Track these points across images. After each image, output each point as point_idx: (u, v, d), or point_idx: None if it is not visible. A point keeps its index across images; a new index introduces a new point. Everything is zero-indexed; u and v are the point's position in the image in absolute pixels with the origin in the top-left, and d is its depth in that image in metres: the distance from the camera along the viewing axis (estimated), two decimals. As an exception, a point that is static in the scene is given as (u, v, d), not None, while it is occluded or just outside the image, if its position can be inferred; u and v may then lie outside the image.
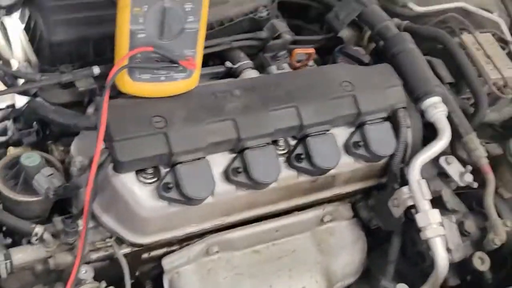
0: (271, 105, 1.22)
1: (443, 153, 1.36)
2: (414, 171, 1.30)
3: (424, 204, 1.29)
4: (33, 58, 1.23)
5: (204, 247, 1.27)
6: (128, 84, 1.13)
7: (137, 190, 1.13)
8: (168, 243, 1.25)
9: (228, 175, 1.19)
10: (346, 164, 1.31)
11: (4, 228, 1.19)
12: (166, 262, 1.26)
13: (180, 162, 1.13)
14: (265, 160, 1.20)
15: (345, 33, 1.50)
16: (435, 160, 1.35)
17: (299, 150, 1.25)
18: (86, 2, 1.23)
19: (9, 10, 1.22)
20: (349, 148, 1.30)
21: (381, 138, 1.31)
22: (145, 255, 1.25)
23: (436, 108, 1.34)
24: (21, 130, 1.26)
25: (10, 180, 1.16)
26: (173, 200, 1.14)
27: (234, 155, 1.20)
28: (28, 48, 1.24)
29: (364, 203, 1.43)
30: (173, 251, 1.27)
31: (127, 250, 1.20)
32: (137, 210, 1.14)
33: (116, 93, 1.14)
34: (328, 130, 1.27)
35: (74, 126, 1.13)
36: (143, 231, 1.18)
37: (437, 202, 1.35)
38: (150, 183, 1.14)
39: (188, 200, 1.14)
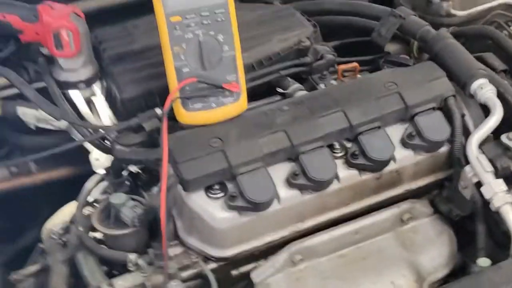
0: (318, 113, 1.34)
1: (503, 131, 1.39)
2: (472, 148, 1.34)
3: (487, 176, 1.31)
4: (113, 118, 1.45)
5: (288, 256, 1.35)
6: (183, 114, 1.30)
7: (208, 205, 1.26)
8: (253, 256, 1.34)
9: (289, 180, 1.30)
10: (406, 157, 1.38)
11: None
12: (255, 275, 1.35)
13: (241, 174, 1.27)
14: (320, 160, 1.30)
15: (392, 48, 1.60)
16: (497, 140, 1.39)
17: (353, 148, 1.34)
18: (147, 63, 1.44)
19: (88, 82, 1.46)
20: (404, 141, 1.37)
21: (433, 125, 1.37)
22: (234, 272, 1.36)
23: (483, 88, 1.39)
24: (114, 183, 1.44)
25: (105, 220, 1.34)
26: (241, 208, 1.26)
27: (292, 163, 1.32)
28: (110, 111, 1.45)
29: (440, 196, 1.46)
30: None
31: (213, 265, 1.32)
32: (212, 224, 1.26)
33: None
34: (379, 127, 1.35)
35: (145, 160, 1.31)
36: (223, 244, 1.29)
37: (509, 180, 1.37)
38: (219, 197, 1.27)
39: (254, 206, 1.26)
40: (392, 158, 1.36)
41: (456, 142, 1.38)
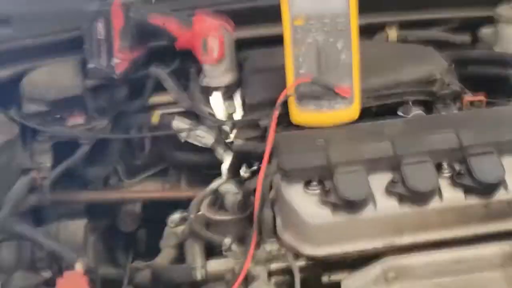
0: (430, 131, 1.34)
1: None
2: None
3: None
4: None
5: (381, 270, 1.32)
6: (296, 113, 1.38)
7: (303, 199, 1.30)
8: (344, 263, 1.33)
9: (388, 188, 1.30)
10: (520, 190, 1.31)
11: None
12: (345, 284, 1.34)
13: (339, 173, 1.29)
14: (421, 172, 1.28)
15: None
16: None
17: (461, 169, 1.31)
18: (279, 77, 1.54)
19: (227, 89, 1.60)
20: (521, 171, 1.31)
21: (553, 159, 1.30)
22: (325, 278, 1.36)
23: None
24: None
25: (213, 207, 1.43)
26: (334, 205, 1.27)
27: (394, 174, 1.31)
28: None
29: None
30: (352, 277, 1.35)
31: (302, 263, 1.33)
32: (305, 218, 1.29)
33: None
34: (491, 153, 1.31)
35: (255, 151, 1.39)
36: (314, 241, 1.30)
37: None
38: (316, 193, 1.30)
39: (346, 204, 1.27)
40: (503, 184, 1.30)
41: None
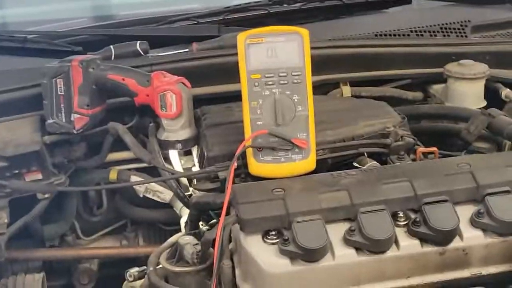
0: (384, 180, 1.37)
1: None
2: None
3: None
4: None
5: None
6: (253, 165, 1.40)
7: (262, 248, 1.29)
8: None
9: (345, 237, 1.31)
10: (475, 237, 1.33)
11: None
12: None
13: (297, 222, 1.31)
14: (378, 221, 1.31)
15: (482, 145, 1.61)
16: None
17: (417, 217, 1.33)
18: (237, 131, 1.56)
19: (185, 143, 1.62)
20: (473, 219, 1.34)
21: (504, 206, 1.33)
22: None
23: None
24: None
25: (171, 259, 1.43)
26: (292, 253, 1.28)
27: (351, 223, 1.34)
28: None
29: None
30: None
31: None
32: (263, 267, 1.28)
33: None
34: (446, 201, 1.34)
35: (213, 203, 1.40)
36: (274, 292, 1.31)
37: None
38: (274, 243, 1.31)
39: (305, 253, 1.27)
40: (457, 232, 1.33)
41: (530, 229, 1.33)
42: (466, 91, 1.81)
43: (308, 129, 1.40)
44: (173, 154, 1.63)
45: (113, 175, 1.79)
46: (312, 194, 1.34)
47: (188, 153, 1.70)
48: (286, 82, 1.40)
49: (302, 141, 1.39)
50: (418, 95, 1.95)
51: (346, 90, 1.88)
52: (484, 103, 1.83)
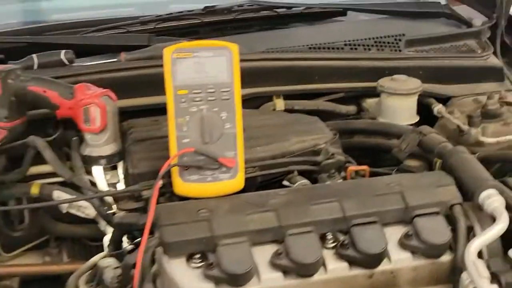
0: (313, 200, 1.34)
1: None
2: (470, 254, 1.27)
3: (482, 282, 1.23)
4: None
5: None
6: (179, 184, 1.35)
7: (186, 273, 1.25)
8: None
9: (272, 260, 1.27)
10: (403, 259, 1.31)
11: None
12: None
13: (222, 245, 1.26)
14: (305, 244, 1.27)
15: (413, 163, 1.59)
16: (504, 256, 1.32)
17: (345, 239, 1.30)
18: (163, 146, 1.50)
19: (109, 159, 1.55)
20: (401, 242, 1.32)
21: (432, 228, 1.32)
22: None
23: (490, 198, 1.34)
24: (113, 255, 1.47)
25: (91, 282, 1.36)
26: (217, 279, 1.23)
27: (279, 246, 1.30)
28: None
29: (444, 311, 1.37)
30: None
31: None
32: (187, 292, 1.25)
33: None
34: (374, 222, 1.32)
35: (136, 224, 1.34)
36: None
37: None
38: (199, 267, 1.26)
39: (229, 278, 1.23)
40: (386, 255, 1.30)
41: (458, 251, 1.31)
42: (399, 107, 1.79)
43: (236, 147, 1.36)
44: (97, 170, 1.56)
45: (35, 189, 1.70)
46: (239, 215, 1.30)
47: (114, 168, 1.63)
48: (214, 98, 1.35)
49: (229, 160, 1.34)
50: (352, 109, 1.93)
51: (279, 104, 1.85)
52: (417, 119, 1.82)
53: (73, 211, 1.67)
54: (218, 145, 1.35)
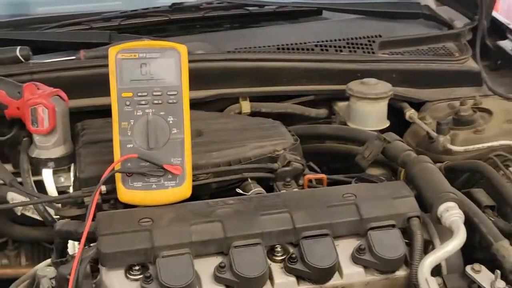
0: (262, 211, 1.27)
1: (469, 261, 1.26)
2: (423, 270, 1.20)
3: (433, 301, 1.17)
4: None
5: None
6: (122, 191, 1.28)
7: (123, 285, 1.19)
8: None
9: (215, 274, 1.21)
10: (355, 274, 1.25)
11: None
12: None
13: (163, 257, 1.20)
14: (250, 257, 1.21)
15: (375, 171, 1.53)
16: (462, 272, 1.26)
17: (294, 253, 1.24)
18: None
19: (58, 162, 1.48)
20: (354, 256, 1.26)
21: (386, 242, 1.26)
22: None
23: (449, 211, 1.28)
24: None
25: (29, 292, 1.30)
26: (154, 292, 1.18)
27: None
28: None
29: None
30: None
31: None
32: (123, 305, 1.19)
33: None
34: (326, 235, 1.26)
35: (75, 231, 1.28)
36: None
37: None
38: (137, 279, 1.20)
39: (167, 292, 1.17)
40: (336, 269, 1.24)
41: (413, 266, 1.25)
42: (368, 111, 1.72)
43: (184, 154, 1.29)
44: (47, 173, 1.49)
45: (-13, 191, 1.65)
46: (182, 225, 1.23)
47: (67, 170, 1.57)
48: (160, 102, 1.28)
49: (175, 167, 1.27)
50: (322, 112, 1.86)
51: (245, 106, 1.78)
52: (387, 124, 1.75)
53: (28, 214, 1.61)
54: (164, 151, 1.28)
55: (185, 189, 1.30)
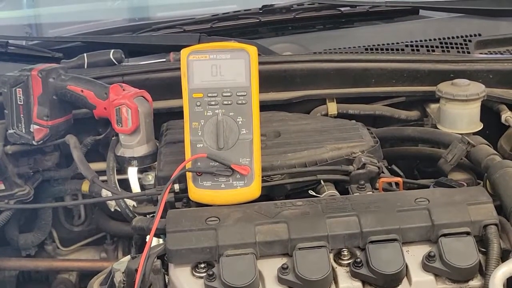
0: (330, 213, 1.25)
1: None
2: (494, 282, 1.14)
3: (504, 315, 1.10)
4: None
5: None
6: (193, 190, 1.31)
7: (189, 282, 1.21)
8: None
9: (278, 275, 1.21)
10: (425, 282, 1.20)
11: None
12: None
13: (227, 256, 1.21)
14: (315, 259, 1.20)
15: (458, 176, 1.46)
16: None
17: (360, 257, 1.21)
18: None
19: (141, 160, 1.54)
20: (424, 263, 1.21)
21: (458, 249, 1.20)
22: None
23: (527, 219, 1.20)
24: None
25: (104, 284, 1.36)
26: (217, 290, 1.19)
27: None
28: None
29: None
30: None
31: None
32: (188, 301, 1.21)
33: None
34: (394, 240, 1.22)
35: (146, 228, 1.32)
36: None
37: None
38: (202, 277, 1.22)
39: (230, 290, 1.18)
40: (403, 276, 1.20)
41: (487, 276, 1.18)
42: (458, 113, 1.65)
43: (252, 154, 1.30)
44: (131, 171, 1.55)
45: (85, 187, 1.74)
46: (247, 225, 1.24)
47: (150, 169, 1.63)
48: (230, 102, 1.30)
49: (243, 167, 1.28)
50: (413, 114, 1.81)
51: (332, 107, 1.76)
52: (480, 127, 1.67)
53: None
54: (233, 151, 1.29)
55: (253, 190, 1.30)
